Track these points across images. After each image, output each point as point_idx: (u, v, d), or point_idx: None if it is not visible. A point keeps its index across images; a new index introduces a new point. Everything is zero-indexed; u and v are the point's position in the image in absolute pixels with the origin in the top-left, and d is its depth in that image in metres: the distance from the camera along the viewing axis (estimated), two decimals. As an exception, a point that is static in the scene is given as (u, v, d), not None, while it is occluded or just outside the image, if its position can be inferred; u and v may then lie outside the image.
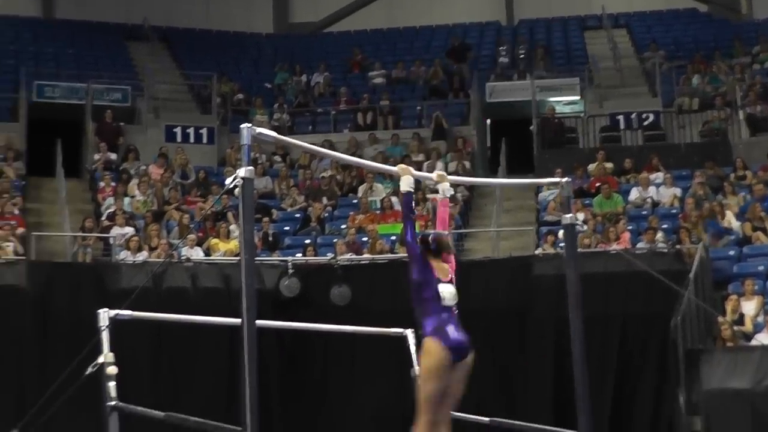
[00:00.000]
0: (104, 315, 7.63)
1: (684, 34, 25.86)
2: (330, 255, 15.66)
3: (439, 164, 18.86)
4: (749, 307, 13.77)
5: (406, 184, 6.82)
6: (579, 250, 14.00)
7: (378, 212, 17.91)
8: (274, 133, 6.41)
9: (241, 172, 5.92)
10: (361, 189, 18.83)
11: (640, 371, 14.04)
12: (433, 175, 7.39)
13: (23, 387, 13.88)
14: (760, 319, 13.47)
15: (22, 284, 14.30)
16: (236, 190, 5.96)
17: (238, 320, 5.81)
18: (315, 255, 16.02)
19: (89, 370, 7.36)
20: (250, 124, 6.11)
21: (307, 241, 16.84)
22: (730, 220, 16.07)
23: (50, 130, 19.98)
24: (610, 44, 24.56)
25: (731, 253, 15.49)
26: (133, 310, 8.02)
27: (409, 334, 9.79)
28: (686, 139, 20.12)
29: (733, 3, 26.72)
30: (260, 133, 6.19)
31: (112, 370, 7.45)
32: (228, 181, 6.06)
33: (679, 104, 21.16)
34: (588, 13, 27.24)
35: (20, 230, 16.60)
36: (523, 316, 14.51)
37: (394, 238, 16.50)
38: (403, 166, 7.17)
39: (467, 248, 17.48)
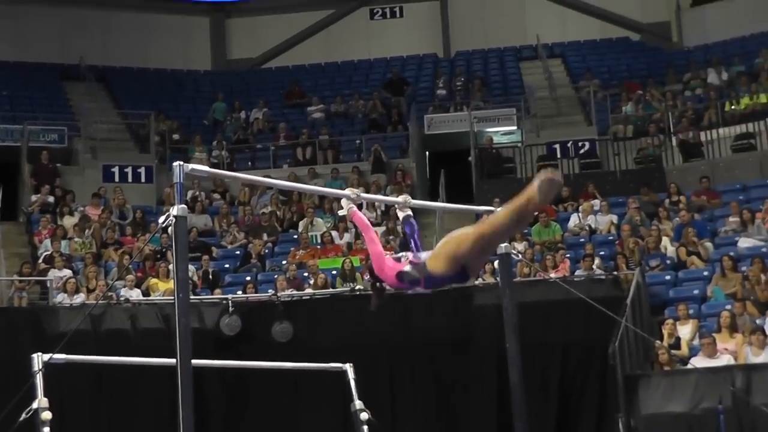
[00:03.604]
0: (38, 359, 7.55)
1: (618, 62, 26.24)
2: (271, 291, 15.58)
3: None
4: (685, 331, 13.91)
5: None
6: (518, 279, 14.27)
7: (319, 247, 17.91)
8: (206, 168, 6.40)
9: (174, 210, 5.88)
10: (302, 224, 18.81)
11: (582, 398, 14.12)
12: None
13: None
14: (696, 342, 13.62)
15: (-41, 330, 14.08)
16: (169, 229, 5.92)
17: (173, 360, 5.75)
18: (256, 292, 15.90)
19: (23, 416, 7.27)
20: (182, 162, 6.08)
21: (248, 278, 16.77)
22: (666, 246, 16.30)
23: (-14, 173, 19.83)
24: (546, 74, 24.87)
25: (667, 278, 15.67)
26: (73, 353, 7.91)
27: (349, 369, 9.81)
28: (622, 166, 20.38)
29: (664, 32, 27.18)
30: (193, 169, 6.17)
31: (47, 415, 7.36)
32: (161, 219, 6.02)
33: (614, 132, 21.45)
34: (523, 43, 27.52)
35: (-44, 275, 16.40)
36: (466, 346, 14.52)
37: (335, 272, 16.47)
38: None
39: (408, 280, 17.46)
